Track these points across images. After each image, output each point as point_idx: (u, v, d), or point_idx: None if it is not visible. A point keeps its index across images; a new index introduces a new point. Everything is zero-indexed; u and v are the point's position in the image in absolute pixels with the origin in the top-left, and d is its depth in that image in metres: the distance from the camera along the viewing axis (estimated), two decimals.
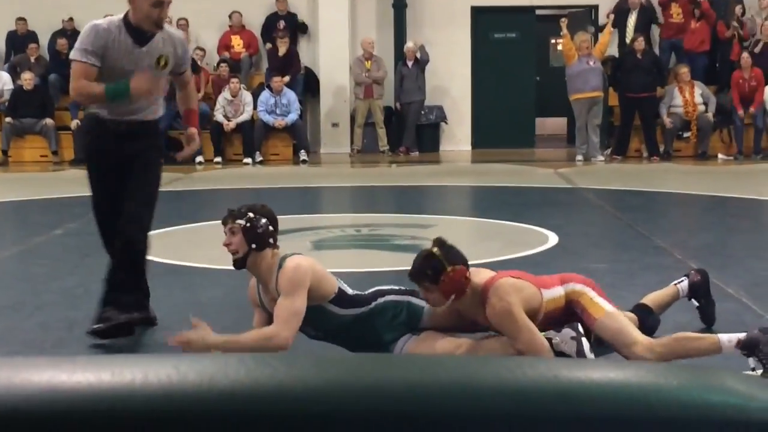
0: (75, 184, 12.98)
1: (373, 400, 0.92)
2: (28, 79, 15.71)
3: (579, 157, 15.25)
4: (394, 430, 0.93)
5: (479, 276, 4.56)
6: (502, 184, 12.68)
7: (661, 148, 15.58)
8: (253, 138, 15.67)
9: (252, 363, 0.95)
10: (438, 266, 4.38)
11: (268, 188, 12.56)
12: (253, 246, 4.53)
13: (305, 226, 9.07)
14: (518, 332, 4.38)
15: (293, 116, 15.75)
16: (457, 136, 17.44)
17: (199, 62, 16.22)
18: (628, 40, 16.02)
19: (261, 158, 15.70)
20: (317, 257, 7.67)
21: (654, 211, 10.33)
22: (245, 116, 15.68)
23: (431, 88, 16.68)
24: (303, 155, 15.71)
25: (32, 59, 16.62)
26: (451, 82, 17.28)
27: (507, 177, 13.41)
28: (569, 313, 4.60)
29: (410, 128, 16.61)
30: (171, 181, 13.34)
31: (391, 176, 14.11)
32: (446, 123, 17.14)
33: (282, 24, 16.83)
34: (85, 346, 5.13)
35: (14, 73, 16.36)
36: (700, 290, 5.32)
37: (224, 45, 17.05)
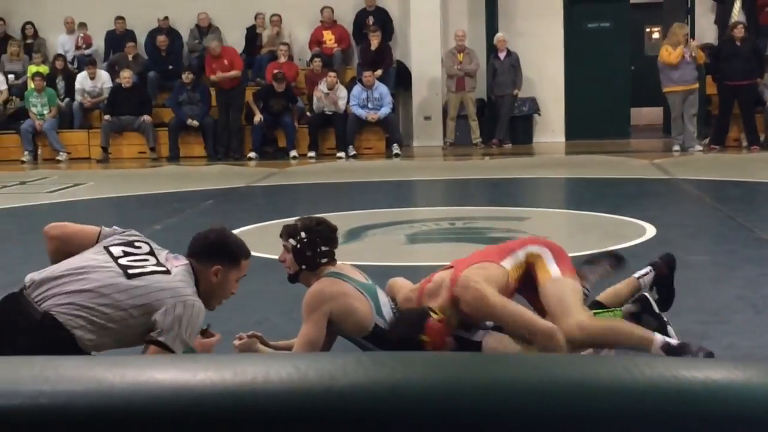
0: (172, 179, 13.22)
1: (490, 398, 0.92)
2: (126, 77, 16.01)
3: (676, 148, 15.01)
4: (511, 428, 0.94)
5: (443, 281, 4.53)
6: (597, 176, 12.54)
7: (762, 138, 15.24)
8: (346, 132, 15.76)
9: (370, 363, 0.96)
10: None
11: (361, 182, 12.61)
12: (303, 267, 4.53)
13: (399, 219, 9.08)
14: (498, 313, 4.34)
15: (386, 110, 15.79)
16: (551, 127, 17.30)
17: (284, 57, 16.40)
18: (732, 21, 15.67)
19: (354, 152, 15.77)
20: (412, 251, 7.70)
21: (755, 202, 10.13)
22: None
23: (524, 79, 16.57)
24: (396, 149, 15.74)
25: (130, 57, 16.94)
26: (544, 73, 17.13)
27: (602, 168, 13.26)
28: (531, 275, 4.55)
29: (503, 120, 16.53)
30: (266, 176, 13.49)
31: (485, 169, 14.06)
32: (539, 114, 17.02)
33: (371, 19, 16.88)
34: None
35: (113, 72, 16.69)
36: (664, 282, 5.07)
37: (316, 40, 17.16)
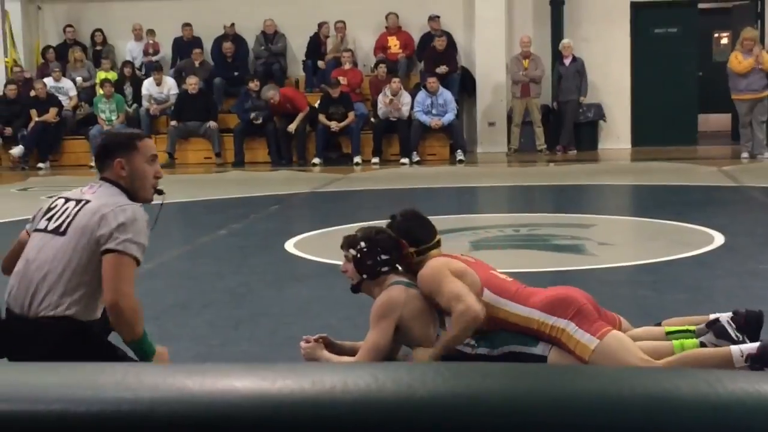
0: (238, 185, 13.32)
1: (567, 411, 0.92)
2: (192, 83, 16.18)
3: (744, 155, 14.80)
4: None
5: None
6: (663, 183, 12.40)
7: None
8: (410, 138, 15.77)
9: (449, 373, 0.95)
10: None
11: (425, 188, 12.61)
12: (364, 276, 4.54)
13: (463, 226, 9.06)
14: (442, 287, 4.31)
15: (450, 116, 15.78)
16: (616, 134, 17.16)
17: (348, 63, 16.44)
18: None
19: (418, 158, 15.78)
20: (477, 257, 7.66)
21: None
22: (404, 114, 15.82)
23: (589, 85, 16.45)
24: (460, 155, 15.71)
25: (197, 64, 17.12)
26: (610, 79, 17.00)
27: (668, 175, 13.12)
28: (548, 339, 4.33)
29: (568, 126, 16.43)
30: (330, 182, 13.54)
31: (549, 175, 13.97)
32: (605, 121, 16.89)
33: (434, 27, 16.87)
34: (251, 344, 5.24)
35: (179, 78, 16.88)
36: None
37: (381, 46, 17.20)
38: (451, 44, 16.75)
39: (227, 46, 17.16)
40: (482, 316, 4.28)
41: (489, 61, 16.84)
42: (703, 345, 4.40)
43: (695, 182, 12.18)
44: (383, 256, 4.53)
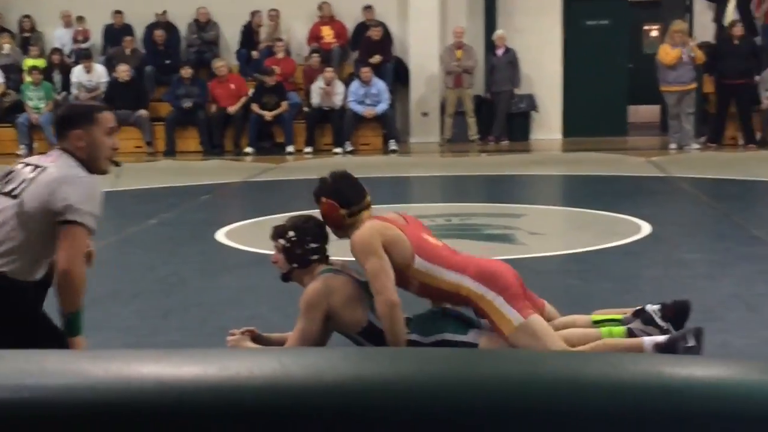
0: (169, 174, 13.21)
1: (477, 394, 0.93)
2: (123, 71, 15.99)
3: (672, 146, 15.02)
4: (497, 424, 0.94)
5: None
6: (593, 173, 12.54)
7: (758, 136, 15.25)
8: (343, 128, 15.75)
9: (356, 357, 0.96)
10: (317, 192, 4.65)
11: (358, 178, 12.60)
12: (294, 265, 4.56)
13: None
14: (366, 264, 4.34)
15: (383, 106, 15.79)
16: (548, 124, 17.29)
17: (281, 53, 16.40)
18: (726, 23, 15.66)
19: (351, 148, 15.77)
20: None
21: (750, 201, 10.14)
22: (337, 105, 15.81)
23: (522, 76, 16.56)
24: (393, 145, 15.74)
25: (128, 52, 16.91)
26: (542, 70, 17.12)
27: (598, 166, 13.26)
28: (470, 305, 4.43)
29: (500, 117, 16.53)
30: (263, 171, 13.48)
31: (482, 165, 14.05)
32: (537, 112, 17.01)
33: (368, 18, 16.87)
34: (180, 334, 5.22)
35: (110, 66, 16.67)
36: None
37: (314, 35, 17.15)
38: (386, 34, 16.76)
39: (159, 34, 16.98)
40: (398, 302, 4.29)
41: (422, 51, 16.86)
42: (631, 332, 4.46)
43: (624, 173, 12.33)
44: (312, 245, 4.54)
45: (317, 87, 15.81)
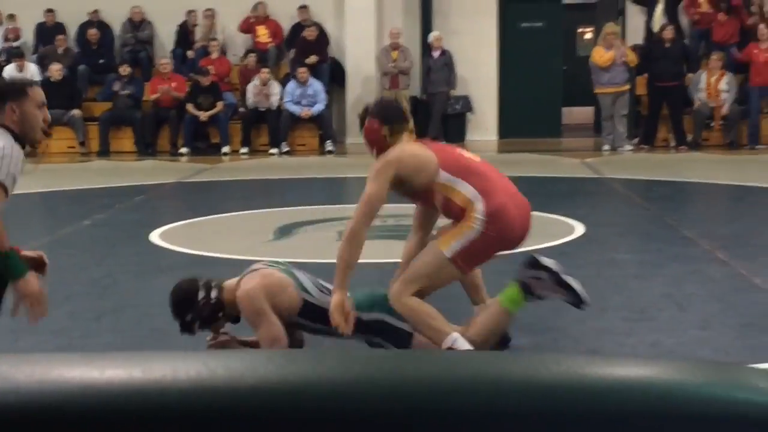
0: (102, 175, 13.08)
1: (400, 396, 0.93)
2: (56, 70, 15.79)
3: (606, 147, 15.20)
4: (420, 426, 0.94)
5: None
6: (528, 174, 12.63)
7: (689, 138, 15.49)
8: (279, 128, 15.71)
9: (281, 360, 0.96)
10: (362, 115, 4.94)
11: (294, 178, 12.58)
12: (218, 319, 4.59)
13: (331, 216, 9.08)
14: (372, 181, 4.76)
15: (320, 106, 15.77)
16: (484, 125, 17.40)
17: (216, 52, 16.34)
18: (655, 29, 15.89)
19: (287, 148, 15.73)
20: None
21: (681, 201, 10.29)
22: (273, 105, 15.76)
23: (458, 77, 16.64)
24: (329, 145, 15.73)
25: (60, 50, 16.71)
26: (478, 71, 17.22)
27: (533, 167, 13.37)
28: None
29: (436, 118, 16.59)
30: (198, 172, 13.40)
31: None
32: (472, 113, 17.11)
33: (304, 18, 16.83)
34: (113, 336, 5.17)
35: (42, 65, 16.46)
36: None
37: (246, 29, 17.04)
38: (322, 35, 16.74)
39: (92, 33, 16.80)
40: (358, 231, 4.65)
41: (359, 52, 16.88)
42: (523, 284, 4.49)
43: (559, 174, 12.44)
44: (204, 303, 4.56)
45: (253, 87, 15.76)
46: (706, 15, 16.23)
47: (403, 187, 4.61)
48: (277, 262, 4.64)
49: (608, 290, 6.05)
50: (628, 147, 15.23)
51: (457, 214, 4.58)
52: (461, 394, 0.93)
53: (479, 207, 4.48)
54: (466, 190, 4.53)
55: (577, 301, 4.47)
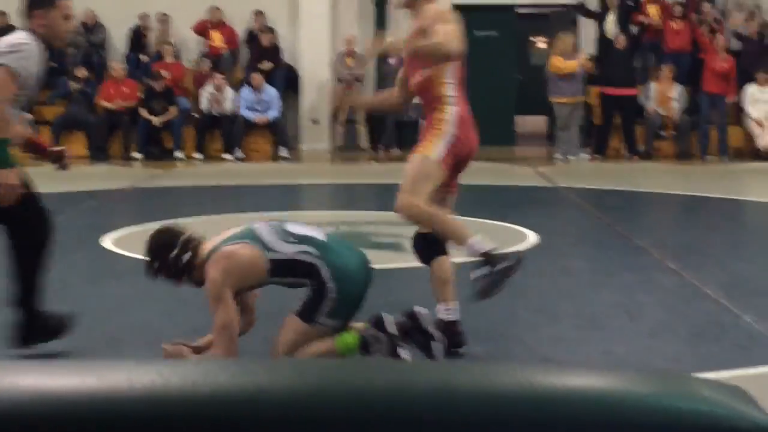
0: (53, 180, 12.93)
1: (352, 404, 0.94)
2: None
3: (559, 156, 15.31)
4: None
5: None
6: (481, 183, 12.68)
7: (641, 148, 15.65)
8: (233, 134, 15.66)
9: (234, 368, 0.96)
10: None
11: (247, 185, 12.55)
12: (181, 278, 4.57)
13: None
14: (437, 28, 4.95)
15: (274, 112, 15.75)
16: None
17: (170, 57, 16.27)
18: (610, 36, 16.02)
19: (241, 154, 15.68)
20: None
21: (633, 211, 10.38)
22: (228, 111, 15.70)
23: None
24: (283, 152, 15.70)
25: None
26: None
27: (487, 175, 13.41)
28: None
29: (390, 125, 16.62)
30: (151, 177, 13.32)
31: (371, 173, 14.12)
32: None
33: (259, 24, 16.80)
34: (65, 343, 5.11)
35: None
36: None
37: (198, 31, 16.97)
38: (276, 40, 16.72)
39: None
40: None
41: (313, 58, 16.87)
42: (363, 338, 4.43)
43: (512, 182, 12.51)
44: (175, 253, 4.51)
45: (207, 92, 15.70)
46: (656, 25, 16.41)
47: None
48: (242, 227, 4.58)
49: (561, 299, 6.10)
50: (585, 156, 15.35)
51: (431, 100, 4.98)
52: (413, 403, 0.94)
53: (453, 110, 4.90)
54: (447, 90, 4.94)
55: None
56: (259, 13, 16.93)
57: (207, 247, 4.53)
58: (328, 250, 4.41)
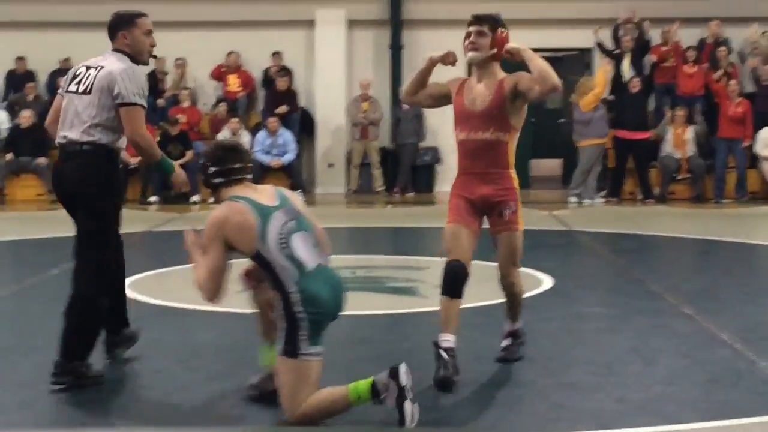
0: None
1: None
2: (26, 116, 15.77)
3: (573, 199, 15.31)
4: None
5: None
6: None
7: (656, 191, 15.65)
8: None
9: None
10: (500, 20, 5.47)
11: None
12: (208, 189, 4.75)
13: None
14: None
15: (290, 156, 15.82)
16: (452, 177, 17.26)
17: (187, 101, 16.37)
18: (624, 79, 16.08)
19: None
20: None
21: (648, 255, 10.37)
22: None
23: (427, 129, 16.75)
24: (299, 195, 15.75)
25: (30, 98, 16.69)
26: (447, 123, 17.17)
27: None
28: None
29: (405, 169, 16.68)
30: (166, 221, 13.37)
31: (387, 217, 14.14)
32: (441, 164, 17.21)
33: (275, 69, 16.90)
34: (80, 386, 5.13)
35: (12, 112, 16.42)
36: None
37: (216, 77, 17.10)
38: (292, 84, 16.83)
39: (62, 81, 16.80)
40: None
41: (329, 102, 16.98)
42: (374, 385, 4.39)
43: (527, 226, 12.42)
44: (212, 169, 4.64)
45: (222, 137, 15.79)
46: (671, 69, 16.47)
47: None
48: (275, 200, 4.61)
49: (575, 344, 6.09)
50: (600, 199, 15.37)
51: (495, 161, 5.40)
52: None
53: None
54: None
55: (401, 421, 4.35)
56: (277, 54, 17.03)
57: (237, 190, 4.61)
58: (308, 278, 4.43)
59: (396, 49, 17.25)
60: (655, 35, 16.74)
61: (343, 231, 12.87)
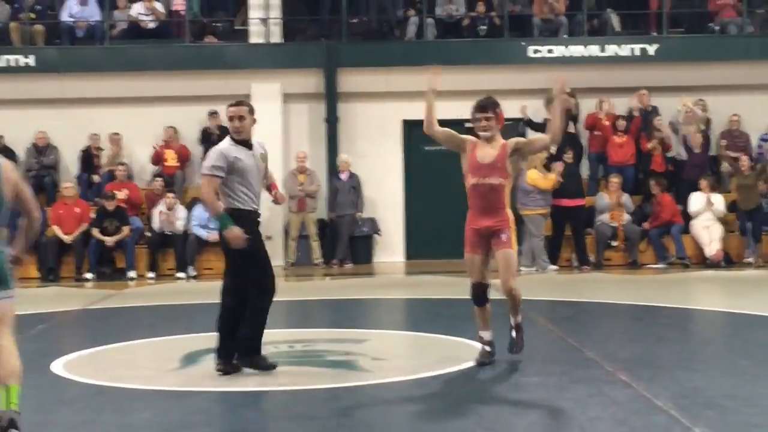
0: None
1: None
2: None
3: (526, 268, 15.35)
4: None
5: None
6: (435, 296, 12.74)
7: (592, 258, 15.82)
8: (186, 252, 15.64)
9: None
10: (496, 102, 7.46)
11: (201, 303, 12.47)
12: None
13: None
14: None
15: None
16: (391, 247, 17.55)
17: (122, 177, 16.31)
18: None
19: (194, 273, 15.64)
20: (249, 375, 7.63)
21: (584, 322, 10.46)
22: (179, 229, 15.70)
23: (364, 199, 16.84)
24: None
25: None
26: (384, 194, 17.46)
27: (440, 289, 13.49)
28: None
29: (343, 240, 16.71)
30: (102, 298, 13.22)
31: (325, 289, 14.13)
32: (380, 234, 17.27)
33: (216, 126, 16.85)
34: None
35: None
36: None
37: (155, 161, 17.06)
38: None
39: None
40: None
41: None
42: None
43: (465, 295, 12.49)
44: None
45: (159, 211, 15.73)
46: (602, 138, 16.79)
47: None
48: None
49: (512, 416, 6.10)
50: (552, 267, 15.48)
51: (496, 203, 7.44)
52: None
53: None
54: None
55: None
56: (214, 114, 16.81)
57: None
58: None
59: (332, 121, 17.37)
60: (589, 104, 17.07)
61: (282, 305, 12.79)
